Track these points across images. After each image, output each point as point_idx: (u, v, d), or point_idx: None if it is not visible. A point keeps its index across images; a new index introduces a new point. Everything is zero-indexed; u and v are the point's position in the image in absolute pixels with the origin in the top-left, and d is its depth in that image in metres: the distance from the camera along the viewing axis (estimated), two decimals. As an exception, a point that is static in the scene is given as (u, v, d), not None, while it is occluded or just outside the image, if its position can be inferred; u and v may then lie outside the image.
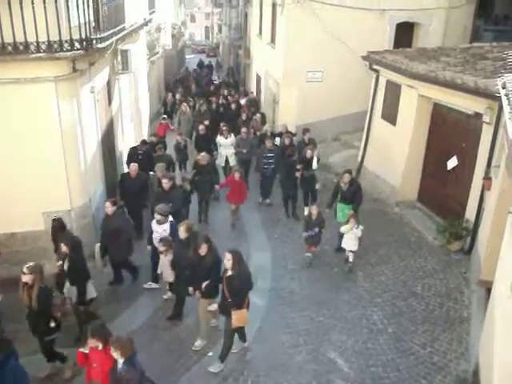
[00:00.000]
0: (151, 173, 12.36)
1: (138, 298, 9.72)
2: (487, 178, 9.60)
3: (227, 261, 7.27)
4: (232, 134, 15.21)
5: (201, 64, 44.56)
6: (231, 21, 40.86)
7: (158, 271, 9.26)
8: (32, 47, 8.44)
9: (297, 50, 17.74)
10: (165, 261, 8.82)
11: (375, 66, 14.45)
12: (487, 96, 9.47)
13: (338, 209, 11.13)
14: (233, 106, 20.16)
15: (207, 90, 27.08)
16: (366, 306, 9.38)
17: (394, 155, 13.48)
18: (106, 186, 12.03)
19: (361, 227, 10.16)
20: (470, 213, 10.74)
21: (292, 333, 8.66)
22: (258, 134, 16.49)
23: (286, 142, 14.17)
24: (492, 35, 18.50)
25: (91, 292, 8.46)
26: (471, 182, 10.76)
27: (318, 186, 13.14)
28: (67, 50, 8.73)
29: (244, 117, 18.10)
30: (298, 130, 17.97)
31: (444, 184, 12.07)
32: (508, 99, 6.98)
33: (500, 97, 7.78)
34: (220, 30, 62.42)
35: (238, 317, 7.43)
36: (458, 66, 11.21)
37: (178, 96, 24.36)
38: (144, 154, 13.11)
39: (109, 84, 12.57)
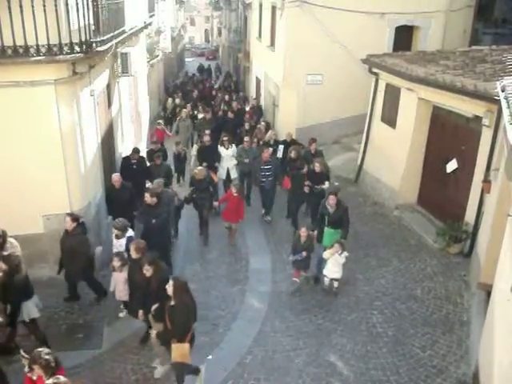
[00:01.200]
0: (148, 184, 11.69)
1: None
2: (487, 181, 9.61)
3: (168, 287, 6.83)
4: (233, 145, 14.42)
5: (201, 68, 44.20)
6: (231, 24, 40.97)
7: (111, 288, 8.78)
8: (32, 50, 8.42)
9: (296, 53, 17.79)
10: (119, 277, 8.38)
11: (375, 69, 14.47)
12: (486, 99, 9.49)
13: (325, 234, 10.08)
14: (231, 114, 19.22)
15: (208, 96, 26.77)
16: (366, 308, 9.38)
17: (393, 158, 13.49)
18: (106, 189, 12.01)
19: (345, 254, 9.40)
20: (470, 216, 10.75)
21: (292, 336, 8.66)
22: (261, 143, 15.70)
23: (293, 155, 13.14)
24: (491, 38, 18.56)
25: (33, 312, 7.83)
26: (471, 185, 10.76)
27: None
28: (67, 53, 8.71)
29: (247, 126, 17.47)
30: (298, 132, 18.05)
31: (444, 187, 12.07)
32: (507, 102, 6.98)
33: (499, 100, 7.79)
34: (220, 34, 62.52)
35: (177, 352, 6.90)
36: (458, 69, 11.24)
37: (177, 101, 23.90)
38: (137, 164, 12.63)
39: (109, 87, 12.58)
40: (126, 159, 12.86)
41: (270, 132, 16.07)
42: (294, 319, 9.09)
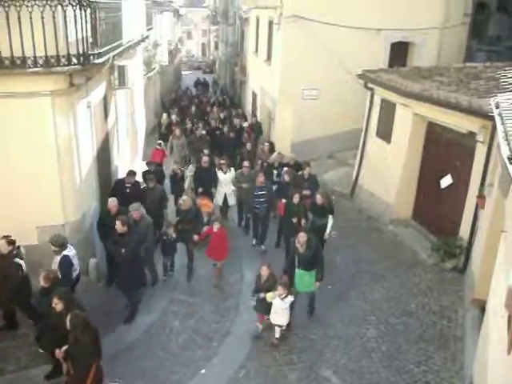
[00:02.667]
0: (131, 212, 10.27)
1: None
2: (481, 196, 9.65)
3: (67, 322, 6.39)
4: (232, 169, 13.46)
5: (198, 82, 43.37)
6: (228, 38, 41.16)
7: None
8: (29, 62, 8.45)
9: (293, 67, 17.88)
10: None
11: (370, 85, 14.56)
12: (481, 115, 9.56)
13: (296, 276, 9.06)
14: (232, 133, 18.22)
15: (204, 111, 25.42)
16: (360, 324, 9.35)
17: (388, 173, 13.53)
18: (101, 201, 11.98)
19: (290, 298, 8.37)
20: (464, 231, 10.78)
21: (285, 350, 8.62)
22: (265, 165, 14.53)
23: (286, 178, 12.57)
24: (485, 55, 18.73)
25: None
26: (465, 201, 10.81)
27: (333, 233, 11.25)
28: (64, 65, 8.73)
29: (249, 146, 16.40)
30: (294, 147, 18.11)
31: (438, 202, 12.11)
32: (501, 119, 7.03)
33: (493, 116, 7.85)
34: (216, 47, 62.81)
35: None
36: (452, 86, 11.33)
37: (173, 117, 22.31)
38: (132, 188, 11.76)
39: (105, 99, 12.60)
40: (120, 182, 12.13)
41: (275, 154, 14.94)
42: (288, 334, 9.05)
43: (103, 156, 12.45)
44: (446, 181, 11.65)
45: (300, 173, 13.03)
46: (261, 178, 12.19)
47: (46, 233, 9.53)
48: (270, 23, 20.15)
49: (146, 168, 13.70)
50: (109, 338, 8.80)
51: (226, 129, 18.81)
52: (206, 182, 13.21)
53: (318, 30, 17.31)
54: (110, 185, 13.08)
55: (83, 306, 7.40)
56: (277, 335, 8.75)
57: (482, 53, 19.36)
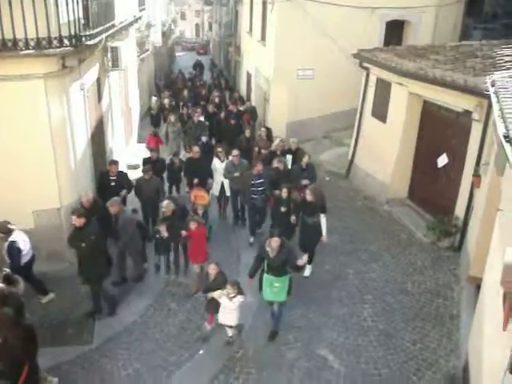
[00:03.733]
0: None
1: (128, 297, 9.68)
2: (476, 175, 9.66)
3: None
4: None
5: (197, 65, 40.32)
6: (221, 18, 40.81)
7: None
8: (21, 44, 8.36)
9: (287, 47, 17.75)
10: None
11: (365, 64, 14.47)
12: (476, 94, 9.52)
13: (264, 282, 8.25)
14: (233, 120, 16.77)
15: (199, 94, 23.91)
16: (357, 302, 9.41)
17: (384, 153, 13.52)
18: (96, 184, 11.96)
19: (240, 298, 7.73)
20: (460, 210, 10.81)
21: (283, 330, 8.66)
22: (264, 152, 13.65)
23: (280, 167, 11.77)
24: (481, 33, 18.58)
25: None
26: (461, 180, 10.82)
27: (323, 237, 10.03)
28: (56, 47, 8.66)
29: (248, 133, 15.24)
30: (289, 127, 18.06)
31: (434, 181, 12.13)
32: (497, 97, 7.01)
33: (489, 94, 7.82)
34: (210, 28, 62.35)
35: None
36: (448, 64, 11.26)
37: (166, 101, 21.05)
38: (117, 179, 11.17)
39: (99, 81, 12.51)
40: (104, 175, 11.42)
41: (277, 141, 13.80)
42: (285, 313, 9.09)
43: (97, 138, 12.40)
44: (442, 160, 11.65)
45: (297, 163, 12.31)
46: (259, 167, 11.30)
47: (41, 217, 9.54)
48: (264, 3, 19.95)
49: (149, 155, 13.12)
50: (106, 321, 8.90)
51: (222, 114, 17.79)
52: (199, 173, 12.28)
53: (313, 10, 17.16)
54: (104, 167, 13.04)
55: (20, 303, 6.75)
56: (229, 334, 8.27)
57: (478, 31, 19.22)
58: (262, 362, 7.95)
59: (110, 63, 12.94)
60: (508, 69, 9.46)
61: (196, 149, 12.68)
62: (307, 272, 10.15)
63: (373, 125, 14.46)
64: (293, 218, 10.29)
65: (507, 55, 10.89)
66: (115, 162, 11.44)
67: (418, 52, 13.33)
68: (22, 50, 8.39)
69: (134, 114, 20.28)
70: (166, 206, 9.96)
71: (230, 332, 8.26)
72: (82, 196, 9.82)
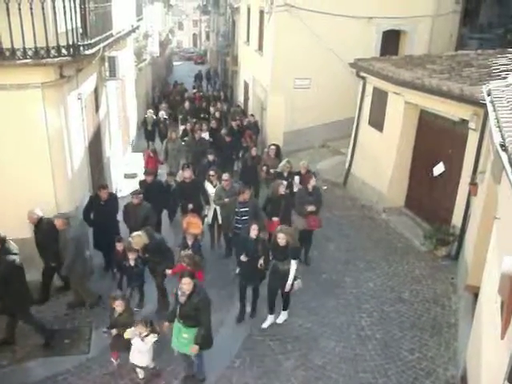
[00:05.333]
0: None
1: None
2: (473, 183, 9.68)
3: None
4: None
5: (199, 76, 39.89)
6: (219, 28, 40.97)
7: None
8: (19, 53, 8.37)
9: (284, 57, 17.83)
10: None
11: (362, 73, 14.54)
12: (473, 103, 9.59)
13: (173, 328, 7.30)
14: (228, 137, 15.66)
15: (199, 107, 22.81)
16: (354, 312, 9.39)
17: (381, 162, 13.55)
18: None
19: (152, 337, 7.22)
20: (457, 218, 10.83)
21: (280, 339, 8.64)
22: (272, 171, 12.73)
23: (281, 191, 10.62)
24: (477, 43, 18.74)
25: None
26: (458, 188, 10.85)
27: (296, 283, 8.68)
28: (54, 57, 8.66)
29: (254, 151, 14.02)
30: (286, 136, 18.09)
31: (431, 190, 12.15)
32: (493, 106, 7.04)
33: (485, 103, 7.85)
34: (208, 38, 62.53)
35: None
36: (444, 73, 11.33)
37: (162, 113, 20.15)
38: (107, 203, 10.38)
39: (96, 91, 12.52)
40: (95, 199, 10.49)
41: (283, 162, 12.66)
42: (283, 323, 9.08)
43: (95, 148, 12.39)
44: (439, 169, 11.68)
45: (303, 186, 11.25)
46: (245, 195, 10.27)
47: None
48: (261, 12, 20.04)
49: (145, 178, 11.92)
50: (100, 331, 8.81)
51: (223, 130, 16.45)
52: (193, 198, 11.28)
53: (310, 19, 17.25)
54: (102, 177, 13.04)
55: None
56: (140, 376, 7.62)
57: (474, 40, 19.39)
58: (260, 371, 7.91)
59: (108, 73, 12.95)
60: (504, 78, 9.49)
61: (187, 173, 11.56)
62: (281, 319, 9.06)
63: (370, 134, 14.50)
64: (260, 262, 8.60)
65: (503, 64, 10.95)
66: (105, 187, 10.59)
67: (415, 61, 13.40)
68: (19, 59, 8.39)
69: (132, 124, 20.27)
70: (135, 238, 8.67)
71: (141, 374, 7.62)
72: (29, 212, 9.06)
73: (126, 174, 16.10)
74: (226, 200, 10.77)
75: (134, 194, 10.45)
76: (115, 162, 14.93)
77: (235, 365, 8.06)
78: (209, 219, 11.52)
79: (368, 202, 14.11)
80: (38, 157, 9.28)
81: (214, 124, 17.76)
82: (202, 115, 21.16)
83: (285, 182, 11.22)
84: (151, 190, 11.21)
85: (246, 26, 24.57)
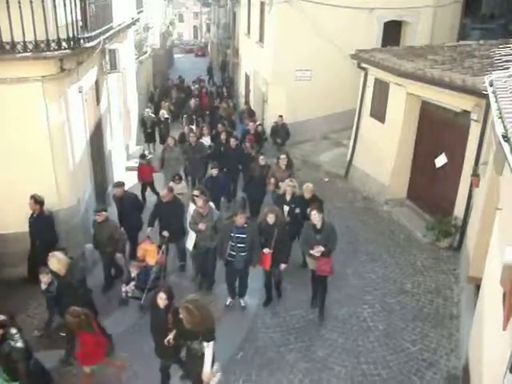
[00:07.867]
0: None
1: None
2: (475, 175, 9.66)
3: None
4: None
5: (210, 70, 38.58)
6: (219, 20, 40.84)
7: None
8: (19, 47, 8.35)
9: (285, 48, 17.78)
10: None
11: (364, 65, 14.48)
12: (475, 94, 9.54)
13: None
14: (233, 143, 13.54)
15: (203, 106, 21.51)
16: (357, 303, 9.40)
17: (383, 153, 13.52)
18: (95, 187, 11.95)
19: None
20: (459, 210, 10.81)
21: (283, 331, 8.67)
22: (280, 191, 10.57)
23: (270, 219, 8.79)
24: (479, 33, 18.65)
25: None
26: (460, 180, 10.83)
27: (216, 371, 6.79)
28: (54, 50, 8.65)
29: (262, 161, 12.21)
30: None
31: (433, 181, 12.13)
32: (495, 97, 7.00)
33: (487, 94, 7.81)
34: (208, 30, 62.41)
35: None
36: (446, 64, 11.28)
37: (163, 112, 18.92)
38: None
39: (97, 84, 12.51)
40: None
41: (286, 181, 10.50)
42: (285, 315, 9.10)
43: (96, 141, 12.39)
44: (441, 160, 11.66)
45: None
46: (241, 219, 8.63)
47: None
48: (262, 4, 19.97)
49: (114, 191, 10.67)
50: (105, 323, 8.84)
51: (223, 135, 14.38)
52: (170, 223, 9.86)
53: (311, 11, 17.20)
54: (103, 170, 13.05)
55: None
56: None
57: (476, 31, 19.29)
58: (262, 363, 7.94)
59: (108, 66, 12.95)
60: (506, 68, 9.44)
61: (164, 192, 10.04)
62: None
63: (371, 125, 14.46)
64: (169, 338, 6.83)
65: (505, 55, 10.89)
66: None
67: (416, 52, 13.35)
68: (20, 52, 8.38)
69: (133, 116, 20.26)
70: (51, 258, 7.77)
71: None
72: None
73: (128, 166, 16.11)
74: (201, 227, 9.27)
75: (96, 211, 9.45)
76: (116, 155, 14.93)
77: (237, 357, 8.08)
78: (188, 246, 10.03)
79: (370, 193, 14.10)
80: (40, 150, 9.29)
81: (220, 127, 15.45)
82: (207, 112, 20.46)
83: (286, 208, 9.86)
84: (123, 205, 10.33)
85: (246, 17, 24.49)
